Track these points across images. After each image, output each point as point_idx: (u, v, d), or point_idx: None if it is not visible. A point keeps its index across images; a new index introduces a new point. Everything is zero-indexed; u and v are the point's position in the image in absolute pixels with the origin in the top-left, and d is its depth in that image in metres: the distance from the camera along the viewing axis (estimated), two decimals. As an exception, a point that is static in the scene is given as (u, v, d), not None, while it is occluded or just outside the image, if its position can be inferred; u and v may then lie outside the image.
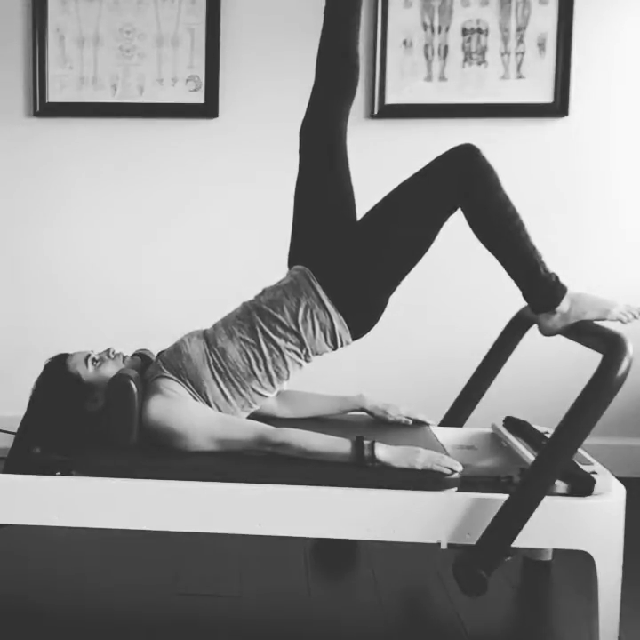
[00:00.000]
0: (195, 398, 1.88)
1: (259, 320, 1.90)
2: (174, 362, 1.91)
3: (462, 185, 1.82)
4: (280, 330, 1.88)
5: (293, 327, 1.88)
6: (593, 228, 2.91)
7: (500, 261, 1.84)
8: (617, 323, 1.83)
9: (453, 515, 1.69)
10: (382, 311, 1.94)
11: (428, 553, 1.84)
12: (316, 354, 1.93)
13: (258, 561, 2.15)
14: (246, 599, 1.96)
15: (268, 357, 1.89)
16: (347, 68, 1.97)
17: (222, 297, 2.98)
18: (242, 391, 1.90)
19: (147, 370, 1.99)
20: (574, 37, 2.80)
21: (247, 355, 1.89)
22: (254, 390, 1.91)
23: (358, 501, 1.72)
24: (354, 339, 1.93)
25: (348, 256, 1.90)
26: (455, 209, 1.86)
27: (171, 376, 1.89)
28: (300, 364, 1.93)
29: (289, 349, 1.89)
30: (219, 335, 1.92)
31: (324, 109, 1.98)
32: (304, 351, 1.90)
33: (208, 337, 1.93)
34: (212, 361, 1.89)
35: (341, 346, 1.93)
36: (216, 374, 1.89)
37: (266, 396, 1.95)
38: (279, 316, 1.88)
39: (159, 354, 1.99)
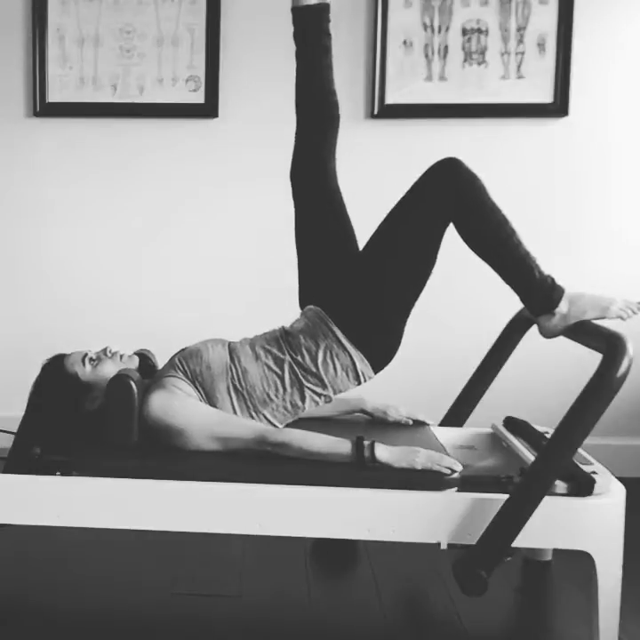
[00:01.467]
0: (200, 400, 1.88)
1: (284, 355, 1.90)
2: (193, 366, 1.90)
3: (452, 199, 1.83)
4: (300, 371, 1.89)
5: (313, 369, 1.88)
6: (593, 228, 2.91)
7: (494, 269, 1.86)
8: (617, 322, 1.83)
9: (453, 515, 1.69)
10: (400, 340, 1.93)
11: (428, 553, 1.84)
12: (340, 391, 1.93)
13: (258, 561, 2.15)
14: (246, 599, 1.96)
15: (288, 389, 1.89)
16: (326, 108, 1.98)
17: (222, 297, 2.99)
18: (252, 413, 1.90)
19: (162, 366, 1.98)
20: (574, 37, 2.81)
21: (268, 381, 1.89)
22: (265, 417, 1.91)
23: (358, 501, 1.72)
24: (376, 372, 1.93)
25: (357, 290, 1.90)
26: (449, 223, 1.86)
27: (183, 378, 1.89)
28: (317, 403, 1.93)
29: (309, 388, 1.90)
30: (244, 353, 1.92)
31: (311, 152, 2.00)
32: (326, 391, 1.90)
33: (232, 350, 1.93)
34: (231, 375, 1.89)
35: (365, 381, 1.93)
36: (231, 390, 1.89)
37: (275, 426, 1.92)
38: (299, 359, 1.89)
39: (178, 353, 1.98)
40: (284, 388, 1.89)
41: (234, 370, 1.89)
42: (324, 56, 1.96)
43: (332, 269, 1.95)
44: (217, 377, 1.89)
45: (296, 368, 1.89)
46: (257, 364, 1.90)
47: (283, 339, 1.93)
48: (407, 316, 1.92)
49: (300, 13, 1.96)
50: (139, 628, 1.84)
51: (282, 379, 1.89)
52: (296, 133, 2.02)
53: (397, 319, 1.91)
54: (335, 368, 1.88)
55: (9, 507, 1.78)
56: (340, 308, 1.90)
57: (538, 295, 1.83)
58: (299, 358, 1.89)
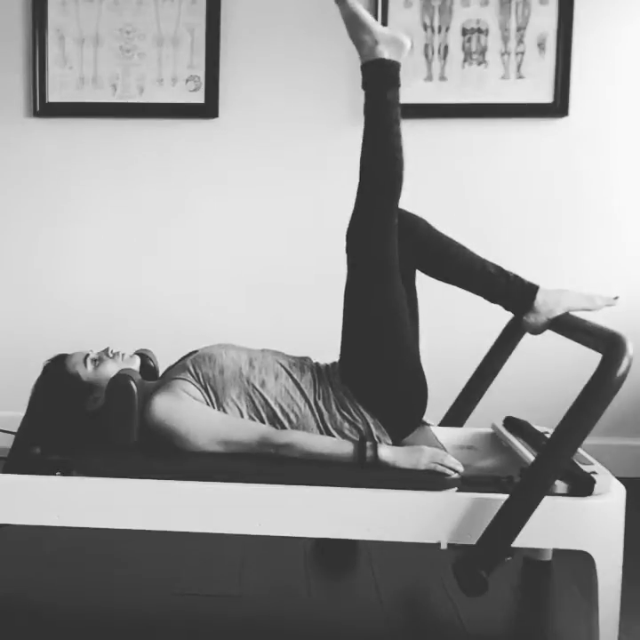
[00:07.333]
0: (208, 405, 1.87)
1: (307, 389, 1.88)
2: (205, 369, 1.88)
3: (409, 249, 1.90)
4: (318, 413, 1.86)
5: (328, 423, 1.86)
6: (592, 229, 2.91)
7: (466, 290, 1.92)
8: (617, 322, 1.84)
9: (453, 515, 1.69)
10: (417, 411, 1.90)
11: (428, 553, 1.84)
12: None
13: (258, 561, 2.15)
14: (246, 599, 1.96)
15: (295, 419, 1.86)
16: (393, 175, 1.96)
17: (222, 296, 2.99)
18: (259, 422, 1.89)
19: (170, 367, 1.97)
20: (574, 37, 2.81)
21: (279, 403, 1.86)
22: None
23: (358, 501, 1.72)
24: (395, 440, 1.88)
25: (363, 355, 1.89)
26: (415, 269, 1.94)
27: (193, 381, 1.87)
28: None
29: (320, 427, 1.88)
30: (265, 365, 1.90)
31: (371, 216, 1.93)
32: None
33: (252, 359, 1.91)
34: (244, 383, 1.87)
35: None
36: (243, 397, 1.86)
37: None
38: (320, 404, 1.86)
39: (189, 355, 1.96)
40: (295, 415, 1.85)
41: (250, 379, 1.87)
42: (395, 124, 2.05)
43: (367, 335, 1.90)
44: (229, 382, 1.86)
45: (314, 408, 1.86)
46: (276, 381, 1.88)
47: (312, 372, 1.91)
48: (415, 382, 1.89)
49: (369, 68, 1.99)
50: (139, 627, 1.84)
51: (297, 405, 1.86)
52: (357, 193, 1.92)
53: (403, 383, 1.87)
54: (351, 431, 1.85)
55: (9, 507, 1.78)
56: (357, 374, 1.88)
57: (514, 296, 1.89)
58: (320, 403, 1.87)
